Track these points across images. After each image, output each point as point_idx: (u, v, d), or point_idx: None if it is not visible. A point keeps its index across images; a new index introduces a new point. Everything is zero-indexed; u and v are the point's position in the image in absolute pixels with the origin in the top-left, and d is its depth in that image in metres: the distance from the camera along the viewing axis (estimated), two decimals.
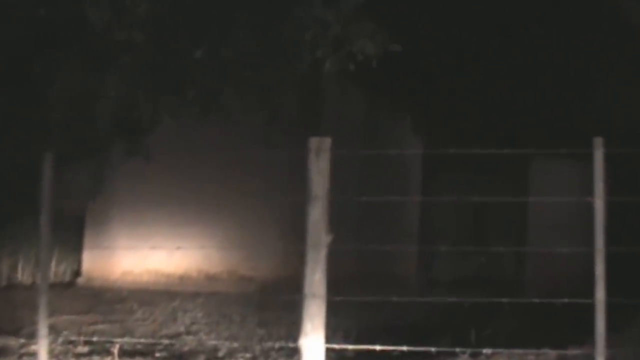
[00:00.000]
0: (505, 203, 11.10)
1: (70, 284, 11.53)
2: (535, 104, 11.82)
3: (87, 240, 11.91)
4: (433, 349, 5.13)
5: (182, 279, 11.58)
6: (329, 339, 4.50)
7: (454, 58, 11.58)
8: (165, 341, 6.81)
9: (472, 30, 11.50)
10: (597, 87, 11.40)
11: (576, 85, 11.62)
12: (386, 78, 10.39)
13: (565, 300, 4.92)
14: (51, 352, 5.65)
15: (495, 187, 12.31)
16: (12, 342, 6.59)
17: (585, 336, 5.18)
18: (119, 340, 6.49)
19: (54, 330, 6.60)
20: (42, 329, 5.15)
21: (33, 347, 5.84)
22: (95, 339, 6.59)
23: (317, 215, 4.47)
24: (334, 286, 4.55)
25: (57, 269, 11.54)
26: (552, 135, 11.55)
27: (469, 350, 5.92)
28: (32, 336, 6.06)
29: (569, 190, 11.71)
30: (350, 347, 5.32)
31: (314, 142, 4.52)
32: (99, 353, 6.24)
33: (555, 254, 7.34)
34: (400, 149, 11.50)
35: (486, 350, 5.91)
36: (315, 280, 4.44)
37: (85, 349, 6.41)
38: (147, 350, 6.45)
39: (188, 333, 7.56)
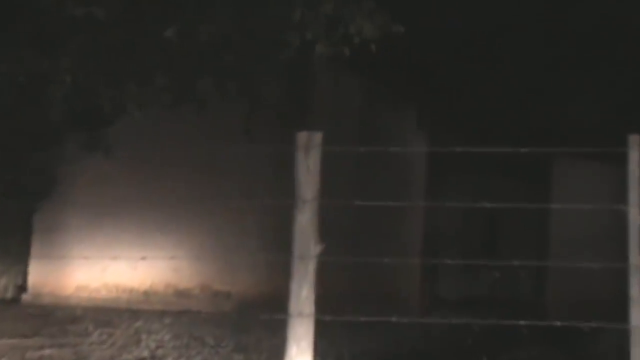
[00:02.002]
0: (523, 210, 11.16)
1: (13, 302, 11.50)
2: (559, 96, 11.88)
3: (35, 249, 11.88)
4: None
5: (147, 294, 11.58)
6: None
7: (466, 42, 11.62)
8: None
9: (487, 10, 11.55)
10: (631, 77, 11.47)
11: (607, 74, 11.68)
12: (386, 65, 10.42)
13: (594, 324, 4.94)
14: None
15: (511, 192, 12.42)
16: None
17: None
18: None
19: None
20: None
21: None
22: None
23: (305, 221, 4.50)
24: (323, 304, 4.57)
25: None
26: (578, 132, 11.63)
27: None
28: None
29: (597, 196, 11.80)
30: None
31: (302, 137, 4.54)
32: None
33: (582, 269, 7.37)
34: (402, 147, 11.53)
35: None
36: (303, 297, 4.47)
37: None
38: None
39: (153, 358, 7.56)
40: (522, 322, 5.37)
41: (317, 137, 4.55)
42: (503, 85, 11.89)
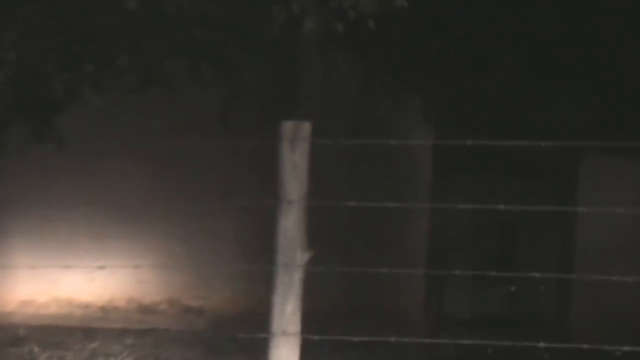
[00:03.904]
0: (545, 214, 11.19)
1: None
2: (585, 82, 11.93)
3: None
4: None
5: (106, 310, 11.59)
6: None
7: (480, 21, 11.65)
8: None
9: None
10: None
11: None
12: (387, 45, 10.45)
13: (626, 348, 4.98)
14: None
15: (531, 192, 12.45)
16: None
17: None
18: None
19: None
20: None
21: None
22: None
23: (290, 225, 4.50)
24: (311, 321, 4.61)
25: None
26: (609, 123, 11.68)
27: None
28: None
29: (632, 198, 11.84)
30: None
31: (288, 127, 4.54)
32: None
33: (613, 283, 7.42)
34: (404, 139, 11.56)
35: None
36: (287, 313, 4.47)
37: None
38: None
39: None
40: (542, 345, 5.41)
41: (305, 127, 4.55)
42: (524, 69, 11.91)
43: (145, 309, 11.55)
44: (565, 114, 11.68)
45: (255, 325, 4.91)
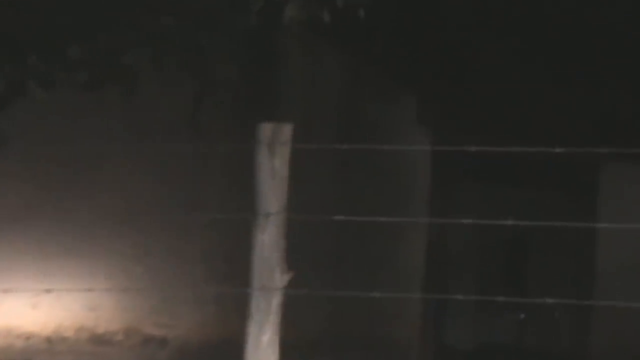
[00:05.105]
0: (559, 230, 11.23)
1: None
2: (608, 78, 11.97)
3: None
4: None
5: (51, 342, 11.54)
6: None
7: (483, 11, 11.67)
8: None
9: None
10: None
11: None
12: (379, 37, 10.46)
13: None
14: None
15: (543, 206, 12.48)
16: None
17: None
18: None
19: None
20: None
21: None
22: None
23: (268, 242, 4.50)
24: (292, 353, 4.60)
25: None
26: (633, 126, 11.71)
27: None
28: None
29: None
30: None
31: (266, 130, 4.56)
32: None
33: (637, 310, 7.43)
34: (399, 144, 11.58)
35: None
36: (264, 343, 4.46)
37: None
38: None
39: None
40: None
41: (286, 130, 4.57)
42: (533, 66, 11.94)
43: (99, 340, 11.50)
44: (583, 116, 11.70)
45: (226, 358, 4.90)
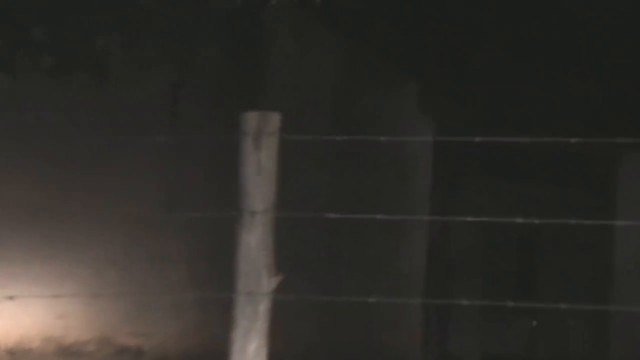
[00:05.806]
0: (573, 228, 11.26)
1: None
2: (620, 66, 11.99)
3: None
4: None
5: (14, 354, 11.51)
6: None
7: None
8: None
9: None
10: None
11: None
12: (376, 20, 10.44)
13: None
14: None
15: (555, 202, 12.51)
16: None
17: None
18: None
19: None
20: None
21: None
22: None
23: (254, 243, 4.52)
24: None
25: None
26: None
27: None
28: None
29: None
30: None
31: (251, 119, 4.57)
32: None
33: None
34: (398, 135, 11.58)
35: None
36: (250, 353, 4.49)
37: None
38: None
39: None
40: None
41: (273, 119, 4.59)
42: (541, 53, 11.95)
43: (67, 351, 11.50)
44: (599, 104, 11.72)
45: None
